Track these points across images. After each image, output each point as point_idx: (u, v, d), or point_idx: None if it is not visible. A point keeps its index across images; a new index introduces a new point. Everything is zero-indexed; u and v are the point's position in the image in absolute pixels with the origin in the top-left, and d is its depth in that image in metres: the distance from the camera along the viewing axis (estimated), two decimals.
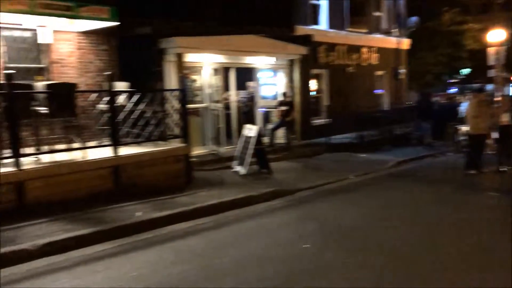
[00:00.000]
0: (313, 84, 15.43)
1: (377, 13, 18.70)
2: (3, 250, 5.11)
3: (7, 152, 6.67)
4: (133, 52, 10.32)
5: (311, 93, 15.07)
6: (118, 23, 9.12)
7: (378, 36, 18.50)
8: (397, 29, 19.16)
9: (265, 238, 5.92)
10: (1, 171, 6.40)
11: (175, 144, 8.85)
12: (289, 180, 9.34)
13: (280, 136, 12.78)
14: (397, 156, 12.67)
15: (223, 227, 6.46)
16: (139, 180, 7.88)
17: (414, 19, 19.88)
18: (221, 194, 7.82)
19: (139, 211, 6.68)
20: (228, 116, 12.23)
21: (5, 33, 8.67)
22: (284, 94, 13.10)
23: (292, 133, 13.04)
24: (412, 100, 19.67)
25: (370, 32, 18.08)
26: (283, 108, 12.56)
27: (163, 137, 8.81)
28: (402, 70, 19.41)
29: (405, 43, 19.86)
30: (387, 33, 18.88)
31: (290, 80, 13.84)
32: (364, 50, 17.74)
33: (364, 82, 17.53)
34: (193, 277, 4.67)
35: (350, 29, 16.93)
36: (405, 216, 6.91)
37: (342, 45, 16.57)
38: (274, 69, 13.72)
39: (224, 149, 11.51)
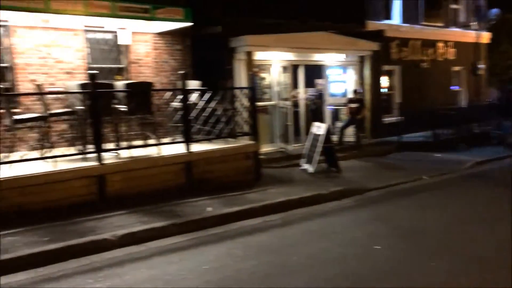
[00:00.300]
0: (384, 81, 14.96)
1: (454, 6, 17.74)
2: (86, 239, 5.48)
3: (90, 147, 7.16)
4: (205, 51, 10.62)
5: (382, 90, 14.63)
6: (192, 23, 9.43)
7: (456, 29, 17.55)
8: (476, 22, 18.06)
9: (334, 237, 5.86)
10: (86, 165, 6.88)
11: (245, 141, 9.00)
12: (358, 179, 9.16)
13: (350, 134, 12.54)
14: (475, 156, 11.96)
15: (291, 225, 6.48)
16: (210, 176, 8.11)
17: (494, 11, 18.59)
18: (289, 192, 7.84)
19: (209, 207, 6.87)
20: (296, 114, 12.20)
21: (89, 35, 9.28)
22: (355, 92, 12.84)
23: (362, 131, 12.77)
24: (492, 97, 18.45)
25: (446, 26, 17.19)
26: (353, 105, 12.32)
27: (233, 135, 8.99)
28: (482, 66, 18.27)
29: (485, 37, 18.66)
30: (465, 26, 17.86)
31: (361, 77, 13.53)
32: (440, 44, 16.90)
33: (439, 78, 16.71)
34: (262, 272, 4.74)
35: (424, 23, 16.20)
36: (484, 221, 6.53)
37: (416, 40, 15.91)
38: (344, 66, 13.47)
39: (292, 147, 11.51)
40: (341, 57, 12.99)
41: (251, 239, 5.86)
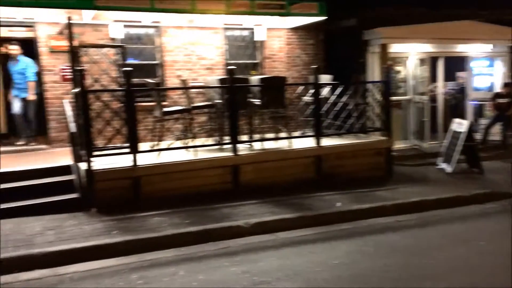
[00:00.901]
0: None
1: None
2: (222, 224, 5.83)
3: (226, 139, 7.60)
4: (337, 45, 10.52)
5: None
6: (326, 17, 9.40)
7: None
8: None
9: (475, 245, 5.38)
10: (222, 155, 7.33)
11: (376, 137, 8.73)
12: (504, 182, 8.24)
13: (495, 132, 11.37)
14: None
15: (426, 227, 6.11)
16: (339, 171, 8.04)
17: None
18: (424, 192, 7.41)
19: (339, 202, 6.81)
20: (433, 109, 11.45)
21: (228, 33, 9.84)
22: (505, 85, 11.56)
23: (510, 129, 11.47)
24: None
25: None
26: (502, 101, 11.11)
27: (364, 130, 8.79)
28: None
29: None
30: None
31: (511, 69, 12.14)
32: None
33: None
34: (395, 273, 4.57)
35: None
36: None
37: None
38: (491, 57, 12.22)
39: (428, 144, 10.84)
40: (487, 47, 11.80)
41: (383, 238, 5.68)
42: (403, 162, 9.58)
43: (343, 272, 4.62)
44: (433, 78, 11.52)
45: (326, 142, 8.05)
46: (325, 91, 8.51)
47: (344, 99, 8.38)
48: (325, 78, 8.90)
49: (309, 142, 7.99)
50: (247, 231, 5.78)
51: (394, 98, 10.05)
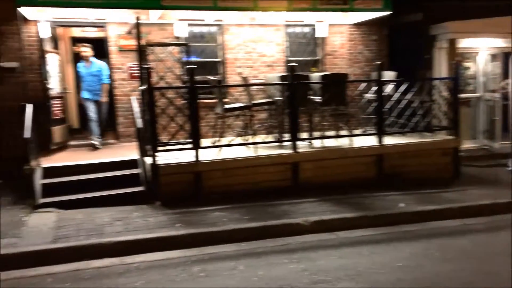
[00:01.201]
0: None
1: None
2: (281, 221, 5.83)
3: (286, 136, 7.59)
4: (401, 40, 10.19)
5: None
6: (391, 12, 9.11)
7: None
8: None
9: None
10: (282, 152, 7.33)
11: (442, 136, 8.39)
12: None
13: None
14: None
15: (498, 231, 5.77)
16: (402, 171, 7.80)
17: None
18: (494, 194, 7.00)
19: (401, 202, 6.61)
20: (505, 108, 10.78)
21: (289, 30, 9.82)
22: None
23: None
24: None
25: None
26: None
27: (430, 129, 8.48)
28: None
29: None
30: None
31: None
32: None
33: None
34: (463, 279, 4.36)
35: None
36: None
37: None
38: None
39: (498, 144, 10.27)
40: None
41: (450, 241, 5.43)
42: (472, 162, 9.13)
43: (406, 275, 4.47)
44: (505, 74, 10.86)
45: (388, 140, 7.84)
46: (388, 88, 8.28)
47: (408, 96, 8.11)
48: (388, 75, 8.66)
49: (371, 141, 7.81)
50: (306, 229, 5.76)
51: (462, 95, 9.60)
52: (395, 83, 8.42)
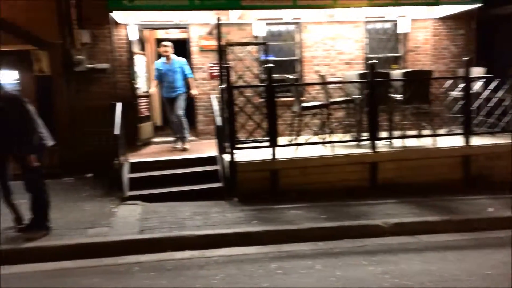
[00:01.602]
0: None
1: None
2: (359, 222, 5.70)
3: (364, 135, 7.41)
4: (490, 35, 9.53)
5: None
6: (480, 4, 8.55)
7: None
8: None
9: None
10: (360, 151, 7.18)
11: None
12: None
13: None
14: None
15: None
16: (490, 173, 7.32)
17: None
18: None
19: (490, 207, 6.19)
20: None
21: (369, 26, 9.58)
22: None
23: None
24: None
25: None
26: None
27: None
28: None
29: None
30: None
31: None
32: None
33: None
34: None
35: None
36: None
37: None
38: None
39: None
40: None
41: None
42: None
43: (497, 283, 4.17)
44: None
45: (476, 141, 7.38)
46: (477, 86, 7.80)
47: (499, 94, 7.58)
48: (476, 71, 8.17)
49: (456, 141, 7.40)
50: (386, 231, 5.58)
51: None
52: (484, 80, 7.90)
